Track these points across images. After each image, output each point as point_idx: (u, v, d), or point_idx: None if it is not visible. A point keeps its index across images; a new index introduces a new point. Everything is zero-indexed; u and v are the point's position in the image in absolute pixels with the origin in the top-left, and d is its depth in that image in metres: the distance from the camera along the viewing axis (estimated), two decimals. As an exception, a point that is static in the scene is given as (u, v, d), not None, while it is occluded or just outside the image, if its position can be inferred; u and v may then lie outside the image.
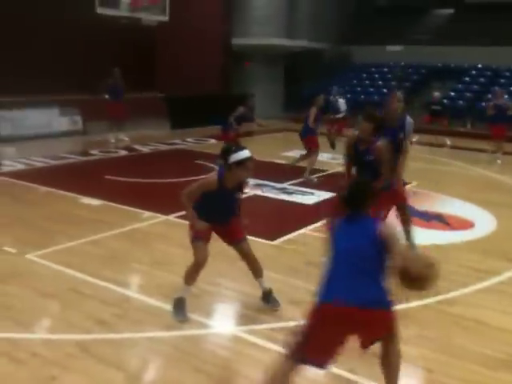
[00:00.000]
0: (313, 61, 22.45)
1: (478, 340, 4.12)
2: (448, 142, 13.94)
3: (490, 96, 12.53)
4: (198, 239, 4.29)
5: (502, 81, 19.36)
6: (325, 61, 23.10)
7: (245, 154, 4.21)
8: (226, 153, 4.21)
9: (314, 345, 2.94)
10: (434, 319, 4.45)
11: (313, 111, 9.78)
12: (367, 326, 2.93)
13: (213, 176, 4.26)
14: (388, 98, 5.88)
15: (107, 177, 9.18)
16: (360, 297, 2.86)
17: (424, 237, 6.55)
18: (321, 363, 3.01)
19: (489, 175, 10.86)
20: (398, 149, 5.45)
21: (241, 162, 4.14)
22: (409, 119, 5.67)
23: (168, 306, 4.41)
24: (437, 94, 15.54)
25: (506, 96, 12.62)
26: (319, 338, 2.92)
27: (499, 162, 11.88)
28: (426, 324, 4.35)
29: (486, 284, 5.16)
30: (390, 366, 3.09)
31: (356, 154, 5.30)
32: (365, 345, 3.05)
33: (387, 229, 3.05)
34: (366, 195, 3.14)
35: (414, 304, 4.64)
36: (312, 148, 9.85)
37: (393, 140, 5.35)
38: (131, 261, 5.49)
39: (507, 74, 19.62)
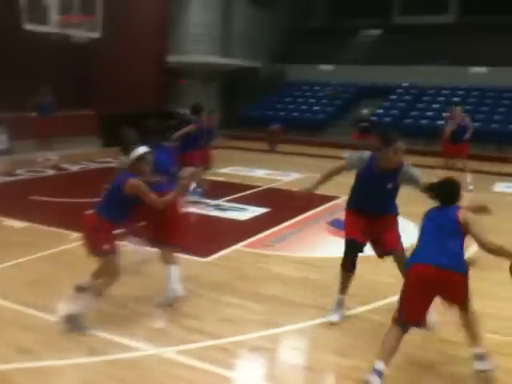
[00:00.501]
0: (248, 78, 22.75)
1: (407, 348, 4.23)
2: None
3: (447, 115, 12.17)
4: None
5: (427, 98, 20.37)
6: (260, 79, 23.46)
7: (142, 150, 4.50)
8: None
9: (408, 306, 3.68)
10: (364, 329, 4.54)
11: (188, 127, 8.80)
12: (447, 286, 3.64)
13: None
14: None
15: (33, 197, 8.80)
16: (442, 260, 3.61)
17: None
18: (417, 322, 3.74)
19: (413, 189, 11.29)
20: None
21: (140, 158, 4.45)
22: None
23: (94, 331, 4.26)
24: (365, 111, 15.93)
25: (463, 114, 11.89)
26: (412, 299, 3.67)
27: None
28: (357, 334, 4.42)
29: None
30: (468, 325, 3.78)
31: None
32: (447, 304, 3.82)
33: (464, 214, 3.75)
34: (458, 192, 3.94)
35: (345, 314, 4.73)
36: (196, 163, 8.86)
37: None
38: (57, 284, 5.27)
39: (431, 91, 20.66)
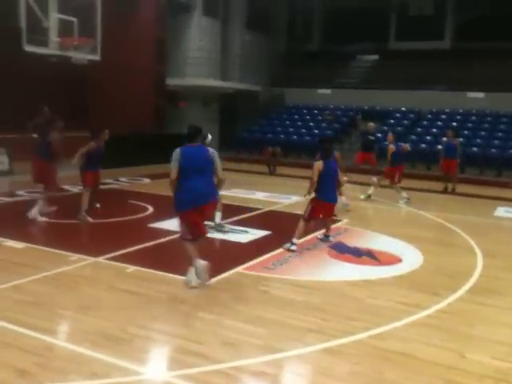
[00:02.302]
0: (247, 102, 22.96)
1: (409, 374, 4.19)
2: (375, 180, 14.48)
3: (444, 139, 14.39)
4: None
5: (425, 123, 20.55)
6: (259, 102, 23.67)
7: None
8: None
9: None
10: (365, 354, 4.50)
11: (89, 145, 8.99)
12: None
13: None
14: None
15: (35, 219, 8.77)
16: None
17: (355, 272, 6.71)
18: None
19: (411, 211, 11.35)
20: None
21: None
22: None
23: (95, 353, 4.21)
24: (371, 123, 15.20)
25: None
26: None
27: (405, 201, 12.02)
28: (358, 359, 4.39)
29: (415, 318, 5.29)
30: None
31: None
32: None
33: None
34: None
35: (345, 340, 4.70)
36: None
37: None
38: (56, 306, 5.22)
39: (429, 116, 20.86)
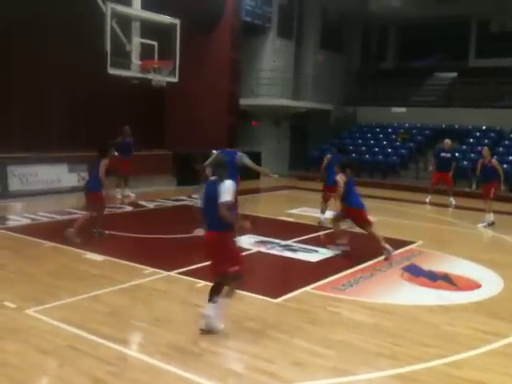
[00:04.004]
0: (319, 120, 22.93)
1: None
2: (453, 201, 13.90)
3: (482, 159, 11.64)
4: None
5: (507, 142, 19.58)
6: (330, 121, 23.57)
7: None
8: None
9: None
10: (439, 382, 4.30)
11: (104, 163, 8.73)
12: None
13: None
14: None
15: (111, 232, 9.18)
16: None
17: (430, 297, 6.46)
18: None
19: (493, 235, 10.79)
20: None
21: None
22: None
23: (166, 365, 4.31)
24: (448, 140, 14.55)
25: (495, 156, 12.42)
26: None
27: (484, 225, 11.31)
28: (432, 388, 4.20)
29: (493, 347, 5.02)
30: None
31: None
32: None
33: None
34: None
35: (418, 366, 4.52)
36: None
37: None
38: (130, 318, 5.41)
39: (511, 135, 19.86)
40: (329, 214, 9.97)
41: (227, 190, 4.89)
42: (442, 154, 14.14)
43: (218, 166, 5.19)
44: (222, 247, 4.98)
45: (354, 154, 20.39)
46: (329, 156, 10.52)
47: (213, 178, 5.16)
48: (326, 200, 10.49)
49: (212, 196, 4.94)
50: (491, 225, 11.20)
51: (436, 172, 14.17)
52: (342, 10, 23.56)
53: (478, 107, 20.26)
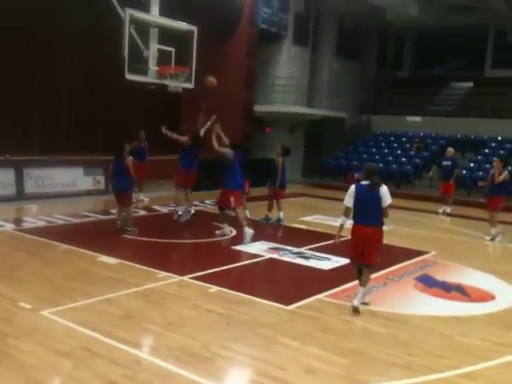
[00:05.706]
0: (333, 128, 22.91)
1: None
2: (447, 210, 14.01)
3: (492, 171, 11.00)
4: None
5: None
6: (345, 129, 23.55)
7: None
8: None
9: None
10: (453, 395, 4.28)
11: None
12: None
13: None
14: None
15: (126, 236, 9.27)
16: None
17: (444, 308, 6.42)
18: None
19: (507, 246, 10.68)
20: None
21: None
22: None
23: (179, 369, 4.34)
24: (450, 149, 14.42)
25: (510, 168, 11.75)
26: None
27: (498, 239, 10.95)
28: (445, 399, 4.18)
29: (507, 359, 4.97)
30: None
31: None
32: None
33: None
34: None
35: (432, 377, 4.50)
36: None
37: None
38: (144, 321, 5.45)
39: (527, 146, 19.69)
40: None
41: (387, 193, 6.01)
42: (444, 163, 14.23)
43: (371, 174, 6.06)
44: (380, 240, 6.04)
45: (367, 163, 20.30)
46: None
47: (364, 182, 6.05)
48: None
49: (372, 198, 5.96)
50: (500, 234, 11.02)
51: (441, 181, 14.26)
52: (358, 18, 23.59)
53: (494, 117, 20.13)
